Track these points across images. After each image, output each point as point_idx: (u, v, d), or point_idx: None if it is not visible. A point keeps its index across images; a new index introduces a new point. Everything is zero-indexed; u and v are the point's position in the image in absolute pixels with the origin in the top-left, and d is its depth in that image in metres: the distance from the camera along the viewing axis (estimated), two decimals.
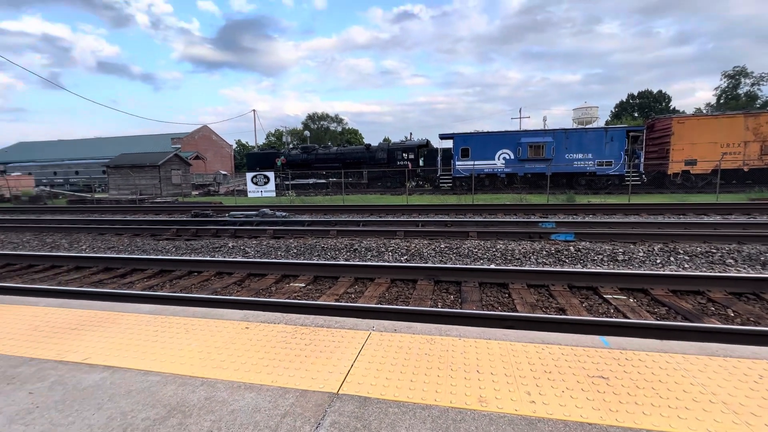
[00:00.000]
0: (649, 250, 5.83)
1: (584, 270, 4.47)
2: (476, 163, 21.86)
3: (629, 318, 3.49)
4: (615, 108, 55.46)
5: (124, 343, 2.27)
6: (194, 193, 30.94)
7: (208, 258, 6.14)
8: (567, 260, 5.63)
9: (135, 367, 2.01)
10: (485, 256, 5.95)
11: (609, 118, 54.02)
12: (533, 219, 9.50)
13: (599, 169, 20.37)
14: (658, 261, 5.45)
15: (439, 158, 24.32)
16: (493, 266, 5.24)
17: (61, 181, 42.65)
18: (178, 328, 2.49)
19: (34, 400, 1.75)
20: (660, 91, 53.67)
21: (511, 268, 4.61)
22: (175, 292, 4.40)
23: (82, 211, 16.52)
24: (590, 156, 20.48)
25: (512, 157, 21.84)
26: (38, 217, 13.84)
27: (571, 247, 6.09)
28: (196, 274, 5.46)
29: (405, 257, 6.10)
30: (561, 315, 3.49)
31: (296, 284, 4.81)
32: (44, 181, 37.00)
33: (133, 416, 1.65)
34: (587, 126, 34.45)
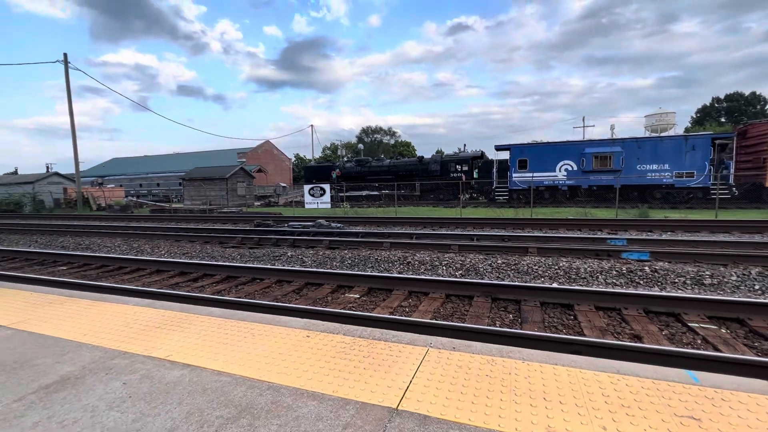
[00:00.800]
0: (744, 274, 5.15)
1: (664, 294, 4.05)
2: (535, 174, 20.93)
3: (722, 352, 3.08)
4: (696, 113, 50.25)
5: (199, 344, 2.46)
6: (256, 203, 33.06)
7: (269, 266, 6.47)
8: (642, 282, 5.14)
9: (209, 367, 2.17)
10: (546, 274, 5.64)
11: (689, 125, 49.02)
12: (600, 235, 8.86)
13: (678, 181, 18.48)
14: (757, 287, 4.78)
15: (494, 170, 23.68)
16: (555, 285, 4.94)
17: (145, 192, 47.96)
18: (245, 332, 2.65)
19: (128, 390, 1.96)
20: (754, 93, 47.70)
21: (577, 288, 4.32)
22: (240, 298, 4.70)
23: (161, 219, 18.36)
24: (667, 167, 18.69)
25: (575, 168, 20.62)
26: (126, 224, 15.62)
27: (646, 268, 5.56)
28: (258, 281, 5.79)
29: (460, 272, 5.98)
30: (638, 343, 3.18)
31: (351, 295, 4.91)
32: (132, 192, 41.83)
33: (209, 413, 1.77)
34: (663, 134, 31.60)
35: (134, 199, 32.39)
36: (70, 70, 26.68)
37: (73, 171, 28.81)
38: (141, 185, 49.78)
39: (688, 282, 5.04)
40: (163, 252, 9.00)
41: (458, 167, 27.32)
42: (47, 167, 38.91)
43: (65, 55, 26.84)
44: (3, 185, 34.04)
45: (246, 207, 26.32)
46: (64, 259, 7.87)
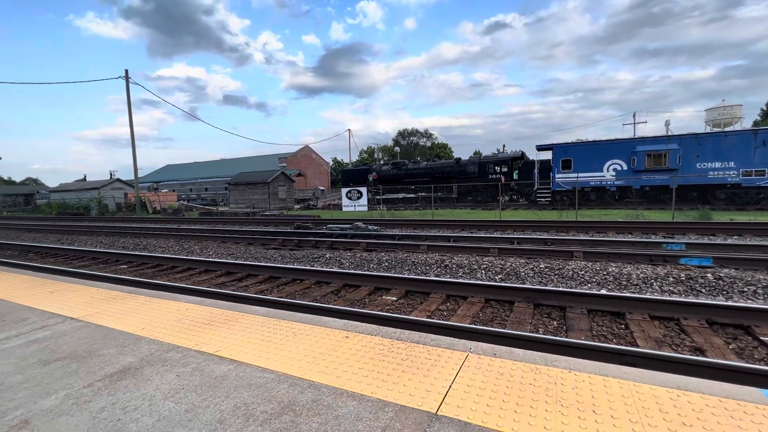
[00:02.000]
0: None
1: (731, 303, 3.70)
2: (580, 175, 19.96)
3: None
4: (767, 105, 45.64)
5: (244, 340, 2.58)
6: (296, 206, 34.10)
7: (308, 267, 6.65)
8: (703, 290, 4.74)
9: (254, 363, 2.27)
10: (594, 280, 5.36)
11: (758, 118, 44.64)
12: (655, 239, 8.29)
13: (746, 180, 16.87)
14: None
15: (536, 171, 22.88)
16: (604, 291, 4.68)
17: (195, 196, 50.99)
18: (286, 331, 2.74)
19: (181, 382, 2.09)
20: None
21: (629, 295, 4.06)
22: (282, 298, 4.86)
23: (209, 222, 19.42)
24: (732, 164, 17.12)
25: (625, 167, 19.44)
26: (178, 227, 16.67)
27: (709, 275, 5.12)
28: (298, 281, 5.96)
29: (500, 276, 5.84)
30: (700, 357, 2.92)
31: (388, 297, 4.92)
32: (183, 196, 44.64)
33: (254, 408, 1.85)
34: (727, 129, 29.01)
35: (185, 203, 34.54)
36: (130, 85, 29.00)
37: (132, 177, 31.35)
38: (191, 190, 52.98)
39: (760, 291, 4.58)
40: (210, 253, 9.50)
41: (497, 168, 26.63)
42: (110, 174, 42.44)
43: (126, 71, 29.19)
44: (75, 191, 37.65)
45: (286, 210, 27.23)
46: (124, 258, 8.54)
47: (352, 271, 5.89)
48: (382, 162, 41.73)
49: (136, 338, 2.68)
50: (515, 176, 27.11)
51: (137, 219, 23.21)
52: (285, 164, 54.10)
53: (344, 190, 24.20)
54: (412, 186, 29.57)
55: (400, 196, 30.07)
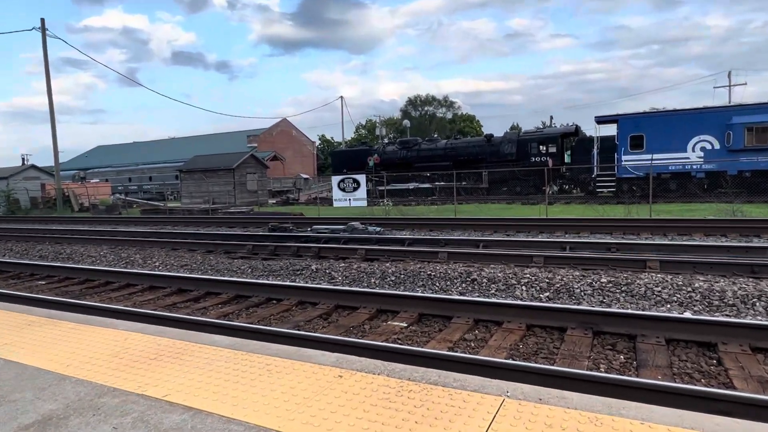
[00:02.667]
0: None
1: None
2: (655, 157, 19.86)
3: None
4: None
5: (203, 381, 2.59)
6: (271, 201, 34.27)
7: (288, 283, 6.66)
8: None
9: (216, 412, 2.28)
10: (674, 299, 5.35)
11: None
12: (758, 243, 8.26)
13: None
14: None
15: (595, 151, 22.86)
16: (688, 315, 4.67)
17: (135, 187, 51.41)
18: (259, 368, 2.76)
19: None
20: None
21: (722, 319, 4.05)
22: (253, 324, 4.89)
23: (155, 222, 19.58)
24: None
25: (716, 146, 19.36)
26: (114, 229, 16.81)
27: None
28: (275, 302, 6.00)
29: (546, 294, 5.85)
30: None
31: (396, 323, 4.94)
32: (120, 188, 45.04)
33: None
34: None
35: (122, 197, 34.82)
36: (47, 39, 29.16)
37: (52, 163, 31.59)
38: (130, 179, 53.42)
39: None
40: (157, 264, 9.57)
41: (542, 148, 26.59)
42: (23, 159, 42.83)
43: (42, 20, 29.33)
44: None
45: (258, 206, 27.39)
46: (42, 271, 8.62)
47: (347, 288, 5.91)
48: (386, 141, 41.71)
49: (59, 378, 2.70)
50: (567, 158, 27.03)
51: (59, 219, 23.46)
52: (255, 144, 54.42)
53: (335, 179, 24.29)
54: (426, 173, 29.64)
55: (411, 186, 30.13)
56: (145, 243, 12.11)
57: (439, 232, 12.63)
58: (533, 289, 6.03)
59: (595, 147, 22.96)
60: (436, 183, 29.00)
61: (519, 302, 4.95)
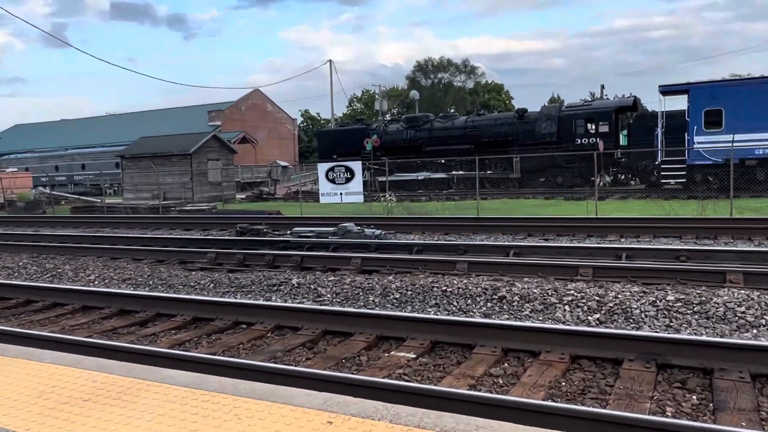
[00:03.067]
0: None
1: None
2: (738, 137, 19.83)
3: None
4: None
5: (152, 430, 2.60)
6: (239, 196, 34.26)
7: (262, 302, 6.65)
8: None
9: None
10: (762, 322, 5.36)
11: None
12: None
13: None
14: None
15: (658, 131, 22.87)
16: None
17: (64, 178, 51.48)
18: (225, 412, 2.76)
19: None
20: None
21: None
22: (216, 354, 4.89)
23: (89, 224, 19.63)
24: None
25: None
26: (36, 232, 16.84)
27: None
28: (245, 327, 6.01)
29: (596, 316, 5.86)
30: None
31: (401, 353, 4.94)
32: (43, 179, 45.13)
33: None
34: None
35: (47, 190, 34.90)
36: None
37: None
38: (57, 168, 53.55)
39: None
40: (92, 277, 9.58)
41: (590, 127, 26.55)
42: None
43: None
44: None
45: (223, 202, 27.44)
46: None
47: (338, 309, 5.90)
48: (388, 117, 41.62)
49: None
50: (623, 140, 27.02)
51: None
52: (219, 123, 54.53)
53: (323, 168, 24.33)
54: (440, 159, 29.57)
55: (421, 176, 30.08)
56: (76, 250, 12.12)
57: (456, 236, 12.61)
58: (579, 310, 6.03)
59: (660, 125, 22.92)
60: (453, 172, 29.01)
61: (561, 327, 4.93)
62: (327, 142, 34.00)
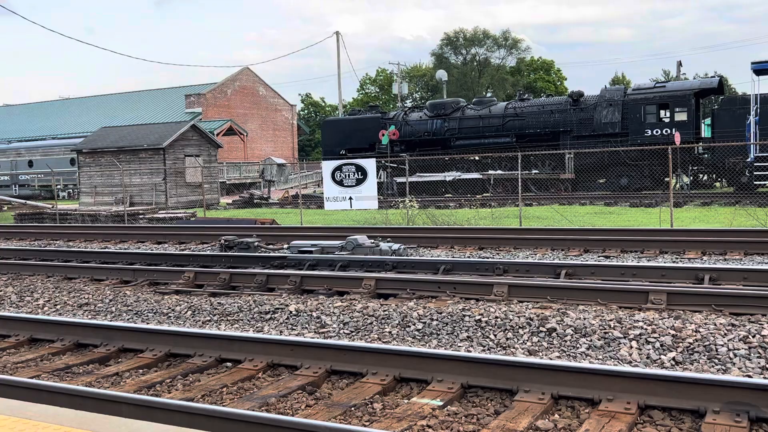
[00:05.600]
0: None
1: None
2: None
3: None
4: None
5: None
6: (225, 201, 34.37)
7: (251, 334, 6.66)
8: None
9: None
10: None
11: None
12: None
13: None
14: None
15: (751, 119, 22.63)
16: None
17: (6, 178, 52.12)
18: None
19: None
20: None
21: None
22: (195, 400, 4.90)
23: (37, 235, 19.80)
24: None
25: None
26: None
27: None
28: (230, 365, 6.02)
29: (671, 355, 5.83)
30: None
31: (425, 400, 4.92)
32: None
33: None
34: None
35: None
36: None
37: None
38: None
39: None
40: (41, 302, 9.67)
41: (664, 114, 26.29)
42: None
43: None
44: None
45: (204, 209, 27.58)
46: None
47: (347, 343, 5.89)
48: (409, 104, 41.52)
49: None
50: (705, 131, 26.71)
51: None
52: (200, 110, 54.95)
53: (328, 166, 24.37)
54: (474, 155, 29.32)
55: (449, 177, 29.90)
56: (21, 268, 12.23)
57: (494, 252, 12.57)
58: (649, 347, 5.98)
59: (753, 112, 22.70)
60: (490, 172, 28.85)
61: (626, 369, 4.88)
62: (334, 134, 34.08)
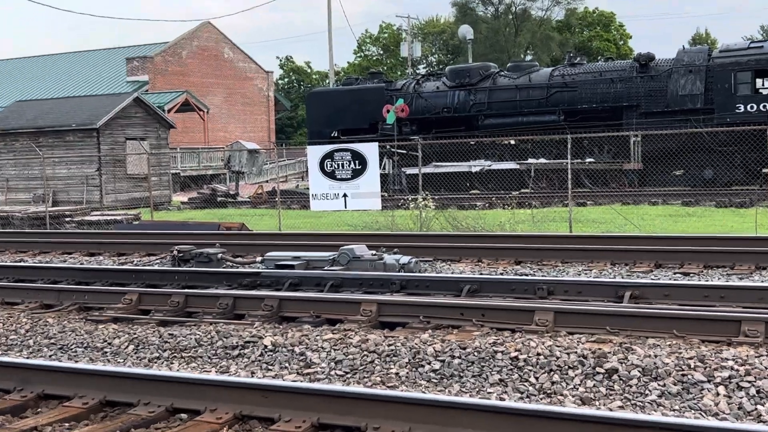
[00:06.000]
0: None
1: None
2: None
3: None
4: None
5: None
6: (179, 199, 34.23)
7: (213, 376, 6.65)
8: None
9: None
10: None
11: None
12: None
13: None
14: None
15: None
16: None
17: None
18: None
19: None
20: None
21: None
22: None
23: None
24: None
25: None
26: None
27: None
28: (185, 416, 5.99)
29: None
30: None
31: None
32: None
33: None
34: None
35: None
36: None
37: None
38: None
39: None
40: None
41: (761, 83, 25.89)
42: None
43: None
44: None
45: (152, 208, 27.55)
46: None
47: (339, 388, 5.87)
48: (423, 71, 41.14)
49: None
50: None
51: None
52: (146, 78, 54.88)
53: (315, 153, 24.33)
54: (509, 139, 29.05)
55: (476, 167, 29.57)
56: None
57: (535, 267, 12.55)
58: (742, 395, 5.92)
59: None
60: (530, 161, 28.67)
61: (712, 424, 4.84)
62: (323, 110, 34.02)
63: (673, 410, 5.89)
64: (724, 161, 26.00)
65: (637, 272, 11.80)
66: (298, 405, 5.80)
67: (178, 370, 7.43)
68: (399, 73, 44.05)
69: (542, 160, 28.57)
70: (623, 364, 6.63)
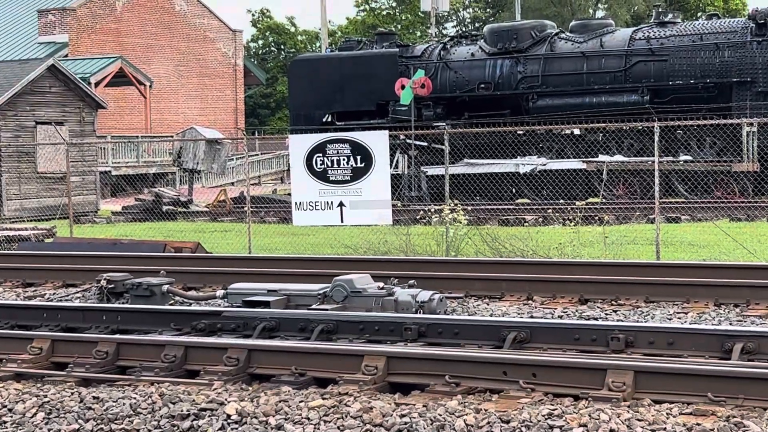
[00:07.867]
0: None
1: None
2: None
3: None
4: None
5: None
6: (110, 207, 34.39)
7: None
8: None
9: None
10: None
11: None
12: None
13: None
14: None
15: None
16: None
17: None
18: None
19: None
20: None
21: None
22: None
23: None
24: None
25: None
26: None
27: None
28: None
29: None
30: None
31: None
32: None
33: None
34: None
35: None
36: None
37: None
38: None
39: None
40: None
41: None
42: None
43: None
44: None
45: (70, 222, 27.66)
46: None
47: None
48: (450, 31, 41.02)
49: None
50: None
51: None
52: (66, 38, 55.18)
53: (300, 145, 24.44)
54: (571, 128, 29.00)
55: (524, 166, 29.66)
56: None
57: (608, 308, 12.54)
58: None
59: None
60: (601, 158, 28.67)
61: None
62: (312, 85, 34.17)
63: None
64: None
65: (751, 317, 11.76)
66: None
67: None
68: (418, 34, 44.04)
69: (618, 158, 28.53)
70: None
